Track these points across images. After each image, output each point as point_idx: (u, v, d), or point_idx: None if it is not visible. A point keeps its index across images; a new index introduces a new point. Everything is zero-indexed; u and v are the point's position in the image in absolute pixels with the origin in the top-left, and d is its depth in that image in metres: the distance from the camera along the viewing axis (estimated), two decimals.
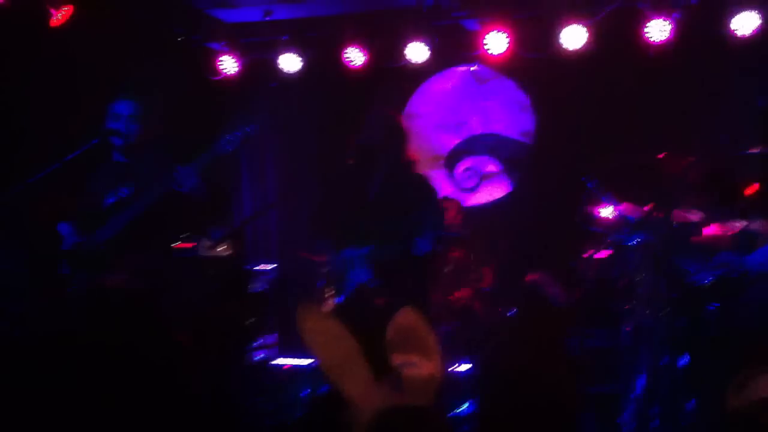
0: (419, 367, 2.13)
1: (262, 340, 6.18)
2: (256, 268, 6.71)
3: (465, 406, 5.19)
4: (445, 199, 6.28)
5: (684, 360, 4.20)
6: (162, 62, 6.50)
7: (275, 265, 6.82)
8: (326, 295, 6.19)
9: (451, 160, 7.47)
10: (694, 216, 5.09)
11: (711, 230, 4.97)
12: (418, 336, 2.20)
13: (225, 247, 5.99)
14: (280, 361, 6.34)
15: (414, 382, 2.19)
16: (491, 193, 7.33)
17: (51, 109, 5.59)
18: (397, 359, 2.03)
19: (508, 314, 5.97)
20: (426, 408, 2.82)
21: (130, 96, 4.53)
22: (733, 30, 5.97)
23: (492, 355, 5.56)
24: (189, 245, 5.77)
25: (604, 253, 5.23)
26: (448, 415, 4.97)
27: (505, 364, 2.52)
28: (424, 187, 4.61)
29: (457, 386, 5.39)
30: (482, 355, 5.59)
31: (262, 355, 6.23)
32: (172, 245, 4.70)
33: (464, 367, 5.67)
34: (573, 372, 2.43)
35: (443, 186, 7.20)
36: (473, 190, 7.37)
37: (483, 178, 7.37)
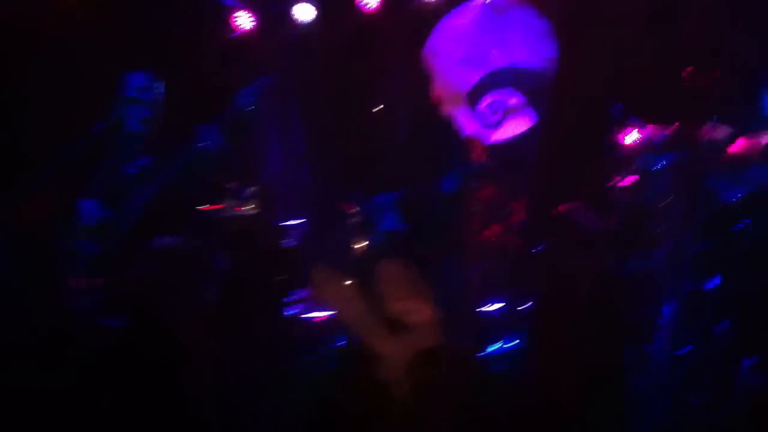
0: (419, 312, 2.13)
1: (295, 295, 6.21)
2: (286, 223, 6.73)
3: (498, 344, 5.19)
4: (468, 138, 6.20)
5: (716, 281, 4.13)
6: (178, 24, 6.47)
7: (304, 219, 6.82)
8: (358, 243, 6.22)
9: (474, 96, 7.34)
10: (723, 130, 4.97)
11: (740, 144, 4.85)
12: (409, 283, 2.20)
13: (253, 205, 6.00)
14: (314, 314, 6.38)
15: (419, 327, 2.19)
16: (516, 126, 7.20)
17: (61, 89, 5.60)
18: (396, 308, 2.02)
19: (541, 247, 5.92)
20: (456, 349, 2.82)
21: (146, 66, 4.51)
22: None
23: (529, 292, 5.54)
24: (217, 207, 5.79)
25: (634, 178, 5.14)
26: (482, 353, 4.97)
27: (543, 301, 2.49)
28: (450, 126, 4.59)
29: (491, 325, 5.40)
30: (518, 292, 5.57)
31: (296, 310, 6.28)
32: (200, 209, 4.72)
33: (497, 306, 5.66)
34: (612, 298, 2.40)
35: (467, 123, 7.09)
36: (498, 125, 7.26)
37: (507, 112, 7.25)
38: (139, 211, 4.35)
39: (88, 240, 4.39)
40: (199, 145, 4.24)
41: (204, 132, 4.24)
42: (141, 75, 4.45)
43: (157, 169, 4.36)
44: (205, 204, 5.04)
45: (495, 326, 5.36)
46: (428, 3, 6.81)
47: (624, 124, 5.01)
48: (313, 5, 7.04)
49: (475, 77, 7.38)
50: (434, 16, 7.28)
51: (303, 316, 6.34)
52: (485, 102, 7.38)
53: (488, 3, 7.21)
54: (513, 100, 7.27)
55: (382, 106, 4.67)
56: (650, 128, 4.91)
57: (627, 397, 3.79)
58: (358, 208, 4.77)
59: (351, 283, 2.38)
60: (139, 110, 4.44)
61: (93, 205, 4.42)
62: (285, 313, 6.00)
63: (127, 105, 4.44)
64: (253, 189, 6.05)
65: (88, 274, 4.78)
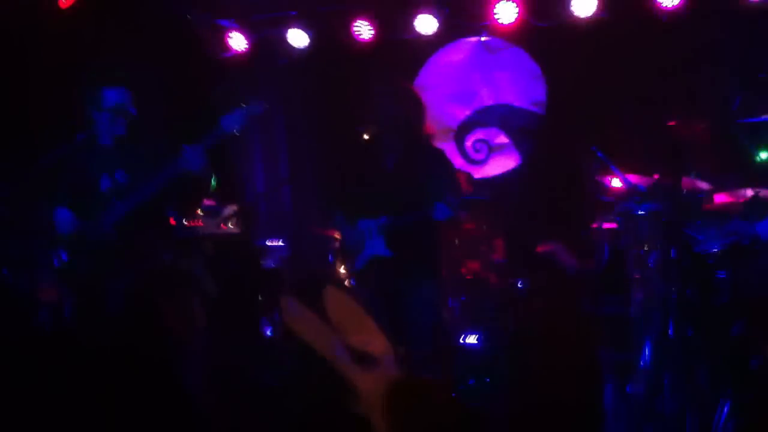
0: (374, 342, 2.13)
1: (273, 316, 6.21)
2: (268, 243, 6.74)
3: (474, 379, 5.21)
4: (457, 171, 6.27)
5: (693, 329, 4.19)
6: (168, 41, 6.50)
7: (286, 240, 6.84)
8: (340, 269, 6.25)
9: (461, 133, 7.44)
10: (704, 184, 5.06)
11: (721, 198, 4.95)
12: (356, 313, 2.19)
13: (234, 224, 6.01)
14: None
15: (379, 358, 2.20)
16: (501, 165, 7.29)
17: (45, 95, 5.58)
18: (354, 340, 2.01)
19: (519, 285, 5.98)
20: (433, 382, 2.83)
21: (122, 83, 4.44)
22: None
23: (506, 327, 5.58)
24: (197, 224, 5.79)
25: (613, 224, 5.21)
26: (458, 387, 4.99)
27: (521, 336, 2.52)
28: (442, 158, 4.65)
29: (467, 359, 5.42)
30: (495, 327, 5.61)
31: (273, 332, 6.27)
32: (181, 224, 4.71)
33: (473, 339, 5.70)
34: (590, 337, 2.42)
35: (453, 159, 7.16)
36: (483, 162, 7.34)
37: (493, 150, 7.34)
38: (114, 225, 4.26)
39: (59, 249, 4.32)
40: (181, 164, 4.19)
41: (188, 151, 4.20)
42: (117, 90, 4.40)
43: (134, 185, 4.27)
44: (185, 221, 5.03)
45: (471, 359, 5.38)
46: (422, 36, 6.89)
47: (606, 171, 5.09)
48: (307, 32, 7.11)
49: (463, 113, 7.48)
50: (427, 50, 7.40)
51: (279, 336, 6.34)
52: (471, 139, 7.47)
53: (482, 42, 7.33)
54: (499, 139, 7.37)
55: (369, 134, 4.71)
56: (631, 177, 4.99)
57: None
58: (341, 232, 4.78)
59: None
60: (113, 125, 4.37)
61: (67, 215, 4.34)
62: (263, 334, 6.00)
63: (102, 119, 4.38)
64: (233, 209, 6.06)
65: (55, 285, 4.71)
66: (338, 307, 2.21)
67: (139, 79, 4.55)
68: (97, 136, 4.36)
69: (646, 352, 4.48)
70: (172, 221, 4.67)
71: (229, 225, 5.99)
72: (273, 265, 6.60)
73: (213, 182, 4.74)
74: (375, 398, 2.18)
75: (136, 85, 4.45)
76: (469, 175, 6.57)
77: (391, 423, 2.04)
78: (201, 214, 5.81)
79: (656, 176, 4.81)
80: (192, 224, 5.61)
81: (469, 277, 6.03)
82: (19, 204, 4.76)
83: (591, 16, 6.40)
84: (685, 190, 4.62)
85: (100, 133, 4.35)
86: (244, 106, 4.27)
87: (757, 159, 5.43)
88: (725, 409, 3.91)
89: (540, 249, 6.05)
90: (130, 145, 4.35)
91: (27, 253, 5.01)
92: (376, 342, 2.31)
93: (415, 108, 4.62)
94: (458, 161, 7.22)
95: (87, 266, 4.20)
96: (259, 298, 5.89)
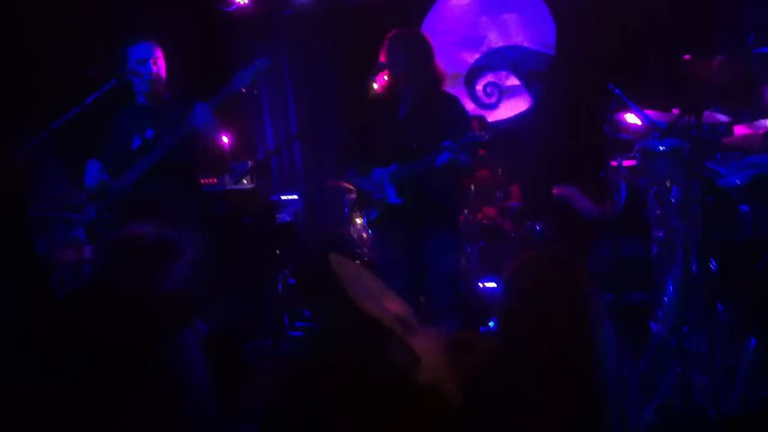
0: (397, 305, 2.06)
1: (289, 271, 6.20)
2: (282, 197, 6.71)
3: (492, 324, 5.20)
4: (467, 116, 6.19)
5: (717, 266, 4.14)
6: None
7: (300, 194, 6.81)
8: (356, 220, 6.21)
9: (471, 77, 7.33)
10: (723, 117, 4.97)
11: (741, 130, 4.86)
12: (365, 277, 2.12)
13: (247, 180, 5.97)
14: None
15: (411, 320, 2.15)
16: (513, 107, 7.20)
17: (65, 51, 5.54)
18: (368, 305, 1.94)
19: (537, 229, 5.93)
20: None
21: (149, 37, 4.49)
22: None
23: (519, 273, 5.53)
24: (212, 180, 5.77)
25: (631, 162, 5.13)
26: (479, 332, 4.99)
27: (531, 283, 2.46)
28: (456, 103, 4.57)
29: (485, 304, 5.41)
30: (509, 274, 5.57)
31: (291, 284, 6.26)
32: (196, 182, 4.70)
33: (491, 284, 5.68)
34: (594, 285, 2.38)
35: (465, 104, 7.08)
36: (495, 105, 7.25)
37: (504, 93, 7.24)
38: (137, 181, 4.34)
39: (88, 206, 4.40)
40: (191, 121, 4.22)
41: (198, 108, 4.22)
42: (143, 48, 4.43)
43: (157, 142, 4.34)
44: (202, 178, 5.01)
45: (491, 304, 5.36)
46: None
47: (623, 108, 4.99)
48: None
49: (472, 58, 7.37)
50: None
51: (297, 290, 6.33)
52: (482, 83, 7.37)
53: None
54: (510, 82, 7.26)
55: (378, 83, 4.63)
56: (649, 113, 4.89)
57: (623, 379, 3.81)
58: (356, 184, 4.73)
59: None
60: (139, 83, 4.44)
61: (95, 168, 4.41)
62: (279, 287, 5.98)
63: (127, 76, 4.43)
64: (247, 166, 6.02)
65: (82, 240, 4.78)
66: (348, 275, 2.14)
67: (158, 34, 4.56)
68: (130, 94, 4.44)
69: (669, 291, 4.44)
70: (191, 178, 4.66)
71: (243, 181, 5.95)
72: (288, 219, 6.57)
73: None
74: (436, 361, 2.11)
75: (158, 40, 4.49)
76: (482, 120, 6.52)
77: (458, 384, 1.97)
78: (217, 171, 5.81)
79: (676, 111, 4.72)
80: (206, 182, 5.59)
81: (485, 222, 5.98)
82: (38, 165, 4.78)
83: None
84: (705, 124, 4.52)
85: (135, 89, 4.42)
86: (254, 63, 4.25)
87: None
88: (751, 346, 3.88)
89: (556, 192, 5.98)
90: (158, 103, 4.42)
91: (43, 214, 5.03)
92: (397, 305, 2.24)
93: (426, 53, 4.53)
94: (470, 106, 7.13)
95: (112, 223, 4.25)
96: (277, 253, 5.87)
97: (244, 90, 4.24)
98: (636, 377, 4.20)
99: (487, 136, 4.26)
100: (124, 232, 2.91)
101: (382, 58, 4.50)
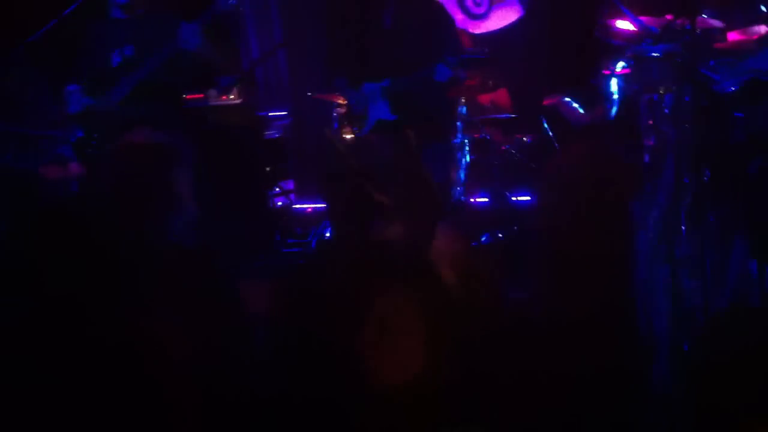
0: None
1: (279, 187, 6.18)
2: (270, 114, 6.62)
3: (483, 238, 5.21)
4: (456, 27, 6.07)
5: (710, 171, 4.12)
6: None
7: (287, 110, 6.72)
8: (344, 134, 6.14)
9: None
10: (716, 22, 4.89)
11: (734, 36, 4.78)
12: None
13: (234, 95, 5.88)
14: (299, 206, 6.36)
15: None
16: (503, 17, 7.06)
17: None
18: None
19: (526, 141, 5.89)
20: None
21: None
22: None
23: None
24: (198, 96, 5.67)
25: (624, 69, 5.07)
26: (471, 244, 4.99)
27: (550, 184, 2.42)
28: (441, 12, 4.49)
29: (478, 217, 5.41)
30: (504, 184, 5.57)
31: (281, 202, 6.25)
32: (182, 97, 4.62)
33: (482, 198, 5.68)
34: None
35: (453, 14, 6.93)
36: (484, 16, 7.11)
37: (494, 3, 7.10)
38: (123, 100, 4.24)
39: (71, 126, 4.31)
40: (179, 43, 4.10)
41: (184, 29, 4.10)
42: None
43: (141, 60, 4.21)
44: (188, 93, 4.92)
45: (482, 218, 5.37)
46: None
47: (615, 14, 4.89)
48: None
49: None
50: None
51: (288, 207, 6.32)
52: None
53: None
54: None
55: None
56: (642, 19, 4.80)
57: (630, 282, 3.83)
58: (345, 97, 4.66)
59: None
60: None
61: (78, 91, 4.30)
62: (270, 204, 5.97)
63: None
64: (234, 79, 5.92)
65: (67, 161, 4.72)
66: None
67: None
68: (109, 8, 4.29)
69: (660, 199, 4.44)
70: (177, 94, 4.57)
71: (230, 96, 5.86)
72: (276, 135, 6.50)
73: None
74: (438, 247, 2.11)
75: None
76: (466, 32, 6.41)
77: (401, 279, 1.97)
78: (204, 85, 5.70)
79: (669, 17, 4.63)
80: (191, 97, 5.48)
81: (476, 136, 5.93)
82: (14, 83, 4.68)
83: None
84: (699, 29, 4.44)
85: (109, 3, 4.28)
86: None
87: None
88: (740, 249, 3.91)
89: (546, 102, 5.92)
90: (138, 19, 4.28)
91: (26, 132, 4.96)
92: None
93: None
94: (459, 16, 6.98)
95: (102, 141, 4.19)
96: (267, 169, 5.83)
97: (232, 4, 4.11)
98: None
99: (486, 52, 4.23)
100: (124, 141, 2.85)
101: None
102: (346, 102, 4.81)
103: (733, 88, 4.28)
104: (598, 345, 2.07)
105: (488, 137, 5.90)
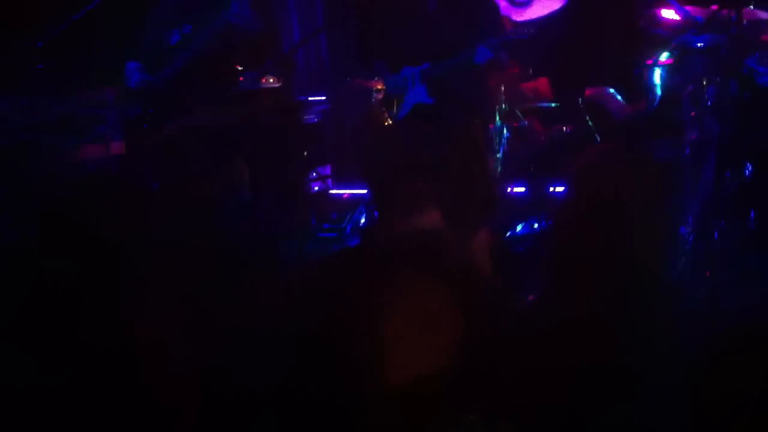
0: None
1: (316, 172, 6.19)
2: (309, 99, 6.63)
3: (520, 227, 5.17)
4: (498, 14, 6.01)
5: (749, 169, 4.05)
6: None
7: (326, 95, 6.71)
8: (382, 118, 6.12)
9: None
10: (764, 14, 4.79)
11: None
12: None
13: (274, 79, 5.88)
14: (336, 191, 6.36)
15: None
16: (547, 5, 6.98)
17: None
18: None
19: (566, 131, 5.82)
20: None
21: None
22: None
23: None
24: (239, 78, 5.68)
25: (667, 60, 4.98)
26: (504, 236, 4.97)
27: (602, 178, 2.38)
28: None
29: (514, 206, 5.37)
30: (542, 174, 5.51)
31: (318, 186, 6.26)
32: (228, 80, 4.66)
33: (519, 187, 5.63)
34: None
35: (497, 0, 6.87)
36: (527, 4, 7.04)
37: None
38: (175, 77, 4.31)
39: (129, 102, 4.41)
40: (233, 16, 4.16)
41: (234, 5, 4.15)
42: None
43: (193, 37, 4.28)
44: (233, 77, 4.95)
45: (519, 208, 5.32)
46: None
47: (661, 3, 4.81)
48: None
49: None
50: None
51: (324, 192, 6.33)
52: None
53: None
54: None
55: None
56: (689, 8, 4.72)
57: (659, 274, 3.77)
58: (383, 82, 4.66)
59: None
60: None
61: (136, 68, 4.38)
62: (306, 189, 5.99)
63: None
64: (275, 61, 5.92)
65: (109, 140, 4.80)
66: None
67: None
68: None
69: (702, 194, 4.37)
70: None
71: (270, 79, 5.86)
72: (315, 121, 6.50)
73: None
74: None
75: None
76: (509, 19, 6.34)
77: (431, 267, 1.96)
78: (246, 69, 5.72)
79: (715, 7, 4.55)
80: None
81: (515, 124, 5.88)
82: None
83: None
84: (745, 21, 4.35)
85: None
86: None
87: None
88: None
89: (588, 93, 5.84)
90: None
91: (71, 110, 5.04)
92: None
93: None
94: (502, 3, 6.92)
95: (157, 118, 4.26)
96: (305, 154, 5.85)
97: None
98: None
99: (527, 34, 4.19)
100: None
101: None
102: (383, 87, 4.80)
103: None
104: (614, 343, 2.04)
105: (527, 125, 5.84)
